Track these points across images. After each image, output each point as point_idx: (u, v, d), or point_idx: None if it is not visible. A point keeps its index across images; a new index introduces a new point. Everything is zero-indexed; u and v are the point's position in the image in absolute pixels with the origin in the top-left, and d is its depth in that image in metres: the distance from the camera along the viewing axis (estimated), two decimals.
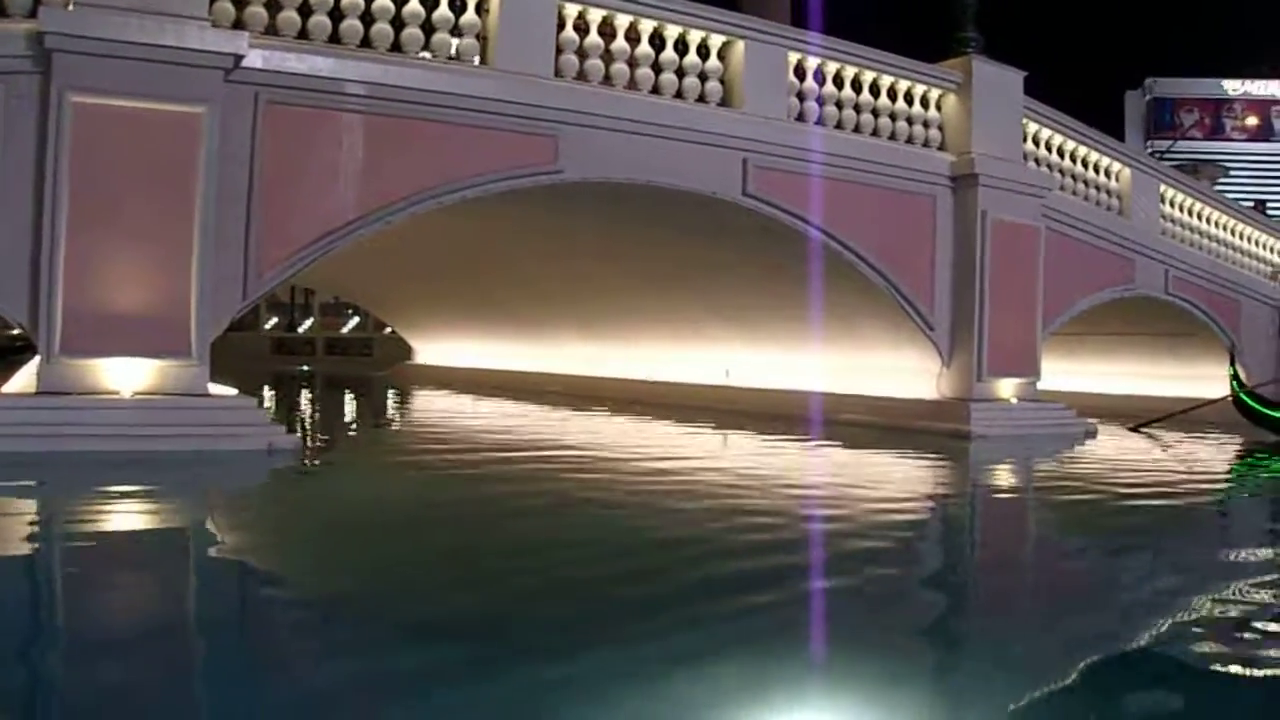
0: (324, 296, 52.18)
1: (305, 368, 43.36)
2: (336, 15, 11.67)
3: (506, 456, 13.06)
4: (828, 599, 5.66)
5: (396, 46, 12.00)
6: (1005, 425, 15.76)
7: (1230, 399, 17.18)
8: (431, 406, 22.84)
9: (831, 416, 16.66)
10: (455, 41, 12.40)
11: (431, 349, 34.12)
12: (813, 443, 14.70)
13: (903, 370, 16.73)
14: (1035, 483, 12.43)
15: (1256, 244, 22.13)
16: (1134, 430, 17.39)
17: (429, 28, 12.23)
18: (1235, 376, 16.68)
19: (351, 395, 27.28)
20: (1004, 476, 13.26)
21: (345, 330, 53.46)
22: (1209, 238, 20.90)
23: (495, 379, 27.33)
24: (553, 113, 12.61)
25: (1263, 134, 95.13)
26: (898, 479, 12.05)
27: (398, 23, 12.03)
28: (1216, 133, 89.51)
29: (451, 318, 30.03)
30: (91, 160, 10.05)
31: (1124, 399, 20.79)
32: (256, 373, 29.01)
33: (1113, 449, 15.52)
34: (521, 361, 27.21)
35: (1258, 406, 16.57)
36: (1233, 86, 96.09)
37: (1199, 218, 20.78)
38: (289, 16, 11.43)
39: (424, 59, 12.16)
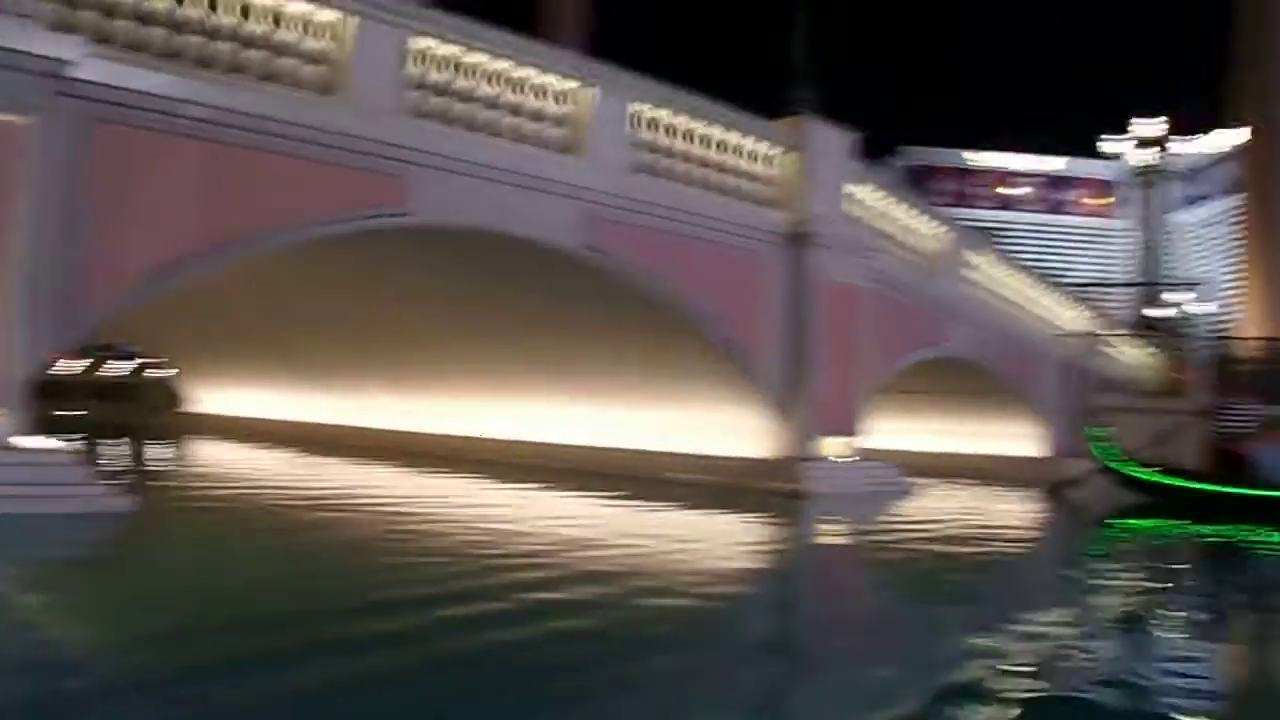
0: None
1: (72, 414, 40.02)
2: (176, 29, 10.54)
3: (327, 516, 12.07)
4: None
5: (239, 68, 10.96)
6: (837, 483, 15.58)
7: (1098, 460, 16.90)
8: (234, 460, 21.08)
9: (661, 474, 16.18)
10: (302, 68, 11.43)
11: (218, 397, 31.68)
12: (644, 502, 14.09)
13: (734, 428, 16.35)
14: (882, 539, 12.24)
15: (1048, 309, 22.94)
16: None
17: (274, 51, 11.25)
18: (1101, 438, 16.71)
19: (138, 446, 24.96)
20: (847, 534, 13.06)
21: (117, 373, 49.49)
22: (1008, 301, 21.51)
23: (292, 431, 25.51)
24: (401, 150, 11.79)
25: (1002, 203, 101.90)
26: (746, 540, 11.71)
27: (240, 43, 11.01)
28: (963, 200, 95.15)
29: (243, 364, 27.83)
30: None
31: (931, 455, 21.10)
32: None
33: (938, 506, 15.63)
34: (322, 413, 25.49)
35: (1126, 468, 16.34)
36: (972, 158, 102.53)
37: (1000, 282, 21.36)
38: (125, 25, 10.22)
39: (267, 86, 11.15)
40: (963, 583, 8.96)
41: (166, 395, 35.81)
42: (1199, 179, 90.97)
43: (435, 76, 12.60)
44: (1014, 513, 16.15)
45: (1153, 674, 5.83)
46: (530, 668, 5.25)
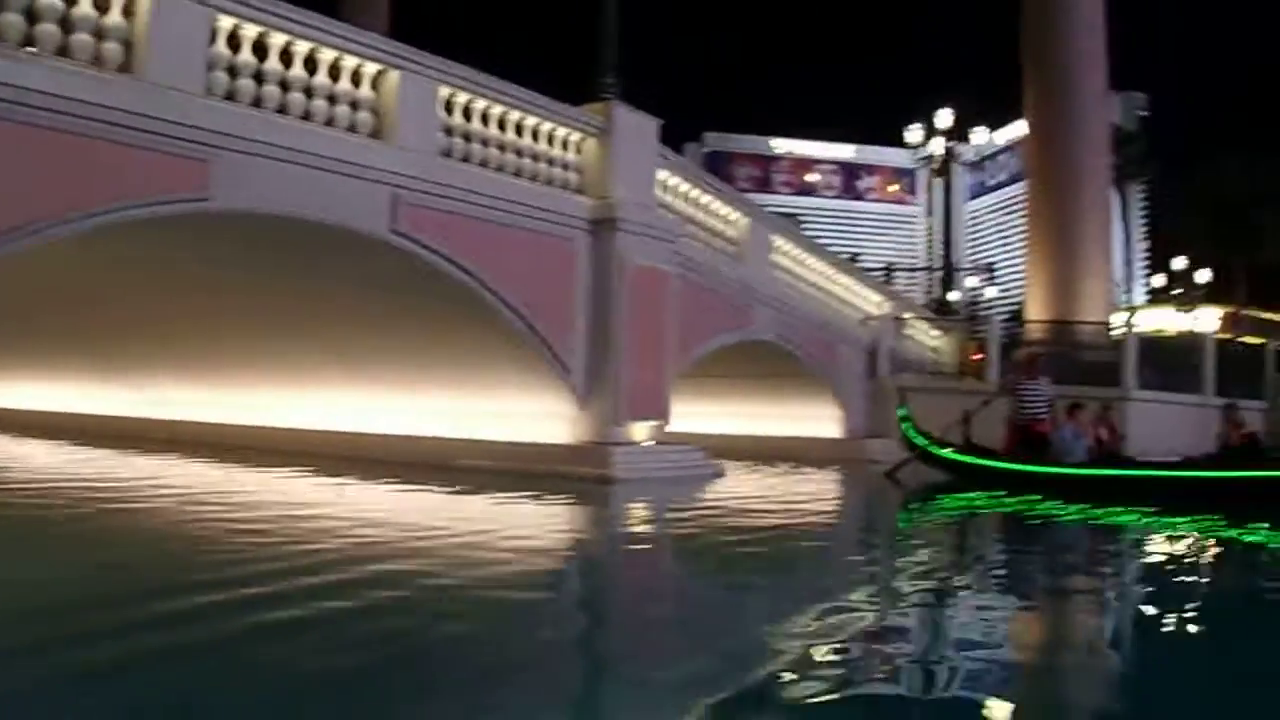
0: None
1: None
2: None
3: (121, 508, 11.77)
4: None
5: (30, 42, 10.60)
6: (644, 468, 15.94)
7: (907, 441, 17.50)
8: (25, 455, 20.08)
9: (468, 461, 16.24)
10: (99, 45, 11.11)
11: (11, 391, 30.10)
12: (448, 488, 14.16)
13: (542, 414, 16.58)
14: (690, 521, 12.57)
15: (850, 291, 23.89)
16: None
17: (68, 26, 10.91)
18: (907, 419, 17.45)
19: None
20: (655, 516, 13.33)
21: None
22: (811, 285, 22.33)
23: (92, 425, 24.57)
24: (203, 134, 11.57)
25: (803, 189, 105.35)
26: (550, 524, 11.98)
27: (31, 16, 10.64)
28: (765, 186, 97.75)
29: (40, 356, 26.40)
30: None
31: (735, 439, 21.71)
32: None
33: (745, 488, 16.11)
34: (122, 406, 24.67)
35: (932, 448, 16.98)
36: (776, 144, 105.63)
37: (803, 266, 22.14)
38: None
39: (61, 62, 10.79)
40: (770, 559, 9.35)
41: None
42: (991, 167, 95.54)
43: (243, 57, 12.43)
44: (819, 492, 16.83)
45: (948, 631, 6.39)
46: (322, 645, 5.41)
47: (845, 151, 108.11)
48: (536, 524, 11.75)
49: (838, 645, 5.59)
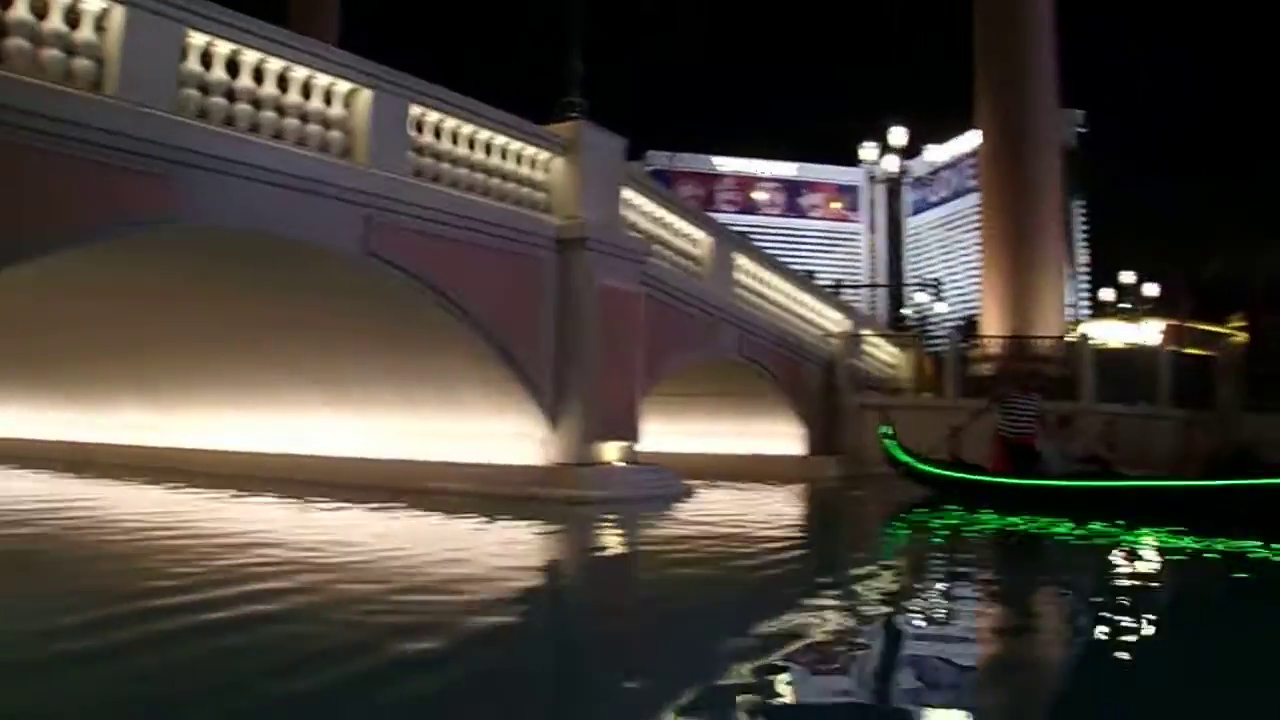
0: None
1: None
2: None
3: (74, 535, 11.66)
4: None
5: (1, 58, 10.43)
6: (615, 489, 15.91)
7: (891, 458, 17.59)
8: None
9: (435, 484, 16.16)
10: (70, 61, 10.94)
11: None
12: (416, 511, 14.06)
13: (507, 436, 16.49)
14: (664, 540, 12.69)
15: (810, 309, 24.06)
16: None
17: (39, 41, 10.75)
18: (890, 435, 17.51)
19: None
20: (628, 536, 13.30)
21: None
22: (772, 303, 22.47)
23: (34, 449, 24.26)
24: (173, 152, 11.38)
25: (747, 207, 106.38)
26: (521, 545, 11.88)
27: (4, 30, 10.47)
28: (710, 204, 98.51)
29: None
30: None
31: (697, 457, 21.67)
32: None
33: (716, 507, 16.13)
34: (69, 429, 24.26)
35: (917, 464, 17.03)
36: (720, 163, 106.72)
37: (765, 284, 22.28)
38: None
39: (31, 79, 10.60)
40: (749, 578, 9.35)
41: None
42: (934, 183, 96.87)
43: (215, 75, 12.31)
44: (791, 510, 16.91)
45: (954, 663, 6.19)
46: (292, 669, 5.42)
47: (787, 169, 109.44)
48: (509, 544, 11.67)
49: (838, 696, 5.38)
